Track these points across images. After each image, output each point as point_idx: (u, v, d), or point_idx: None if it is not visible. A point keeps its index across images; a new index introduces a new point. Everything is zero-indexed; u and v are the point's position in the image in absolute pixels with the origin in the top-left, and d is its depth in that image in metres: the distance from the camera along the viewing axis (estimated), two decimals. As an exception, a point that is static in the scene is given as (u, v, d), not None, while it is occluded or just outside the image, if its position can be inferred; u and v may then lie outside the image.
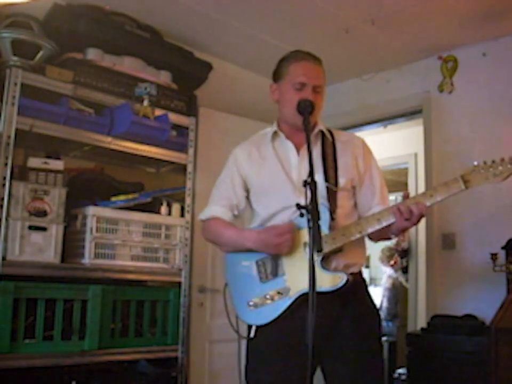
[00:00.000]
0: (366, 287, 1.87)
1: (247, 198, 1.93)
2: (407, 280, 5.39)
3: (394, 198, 6.59)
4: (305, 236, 1.69)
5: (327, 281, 1.66)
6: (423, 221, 4.33)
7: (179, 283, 2.98)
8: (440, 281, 3.50)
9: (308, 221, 1.48)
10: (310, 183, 1.53)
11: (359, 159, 1.89)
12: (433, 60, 3.66)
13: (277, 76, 1.93)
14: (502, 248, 3.00)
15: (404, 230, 1.70)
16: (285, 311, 1.72)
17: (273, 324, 1.74)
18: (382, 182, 1.94)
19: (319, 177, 1.72)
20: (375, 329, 1.84)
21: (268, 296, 1.75)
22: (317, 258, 1.66)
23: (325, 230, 1.70)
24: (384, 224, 1.67)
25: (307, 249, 1.69)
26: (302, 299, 1.68)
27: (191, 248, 3.06)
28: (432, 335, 3.09)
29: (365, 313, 1.80)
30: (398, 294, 5.49)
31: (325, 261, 1.71)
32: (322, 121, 1.97)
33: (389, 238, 1.88)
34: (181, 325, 2.95)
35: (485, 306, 3.07)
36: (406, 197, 1.68)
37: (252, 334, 1.77)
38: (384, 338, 4.84)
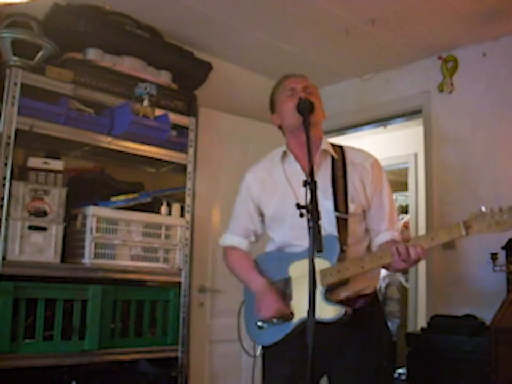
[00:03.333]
0: (378, 308, 1.88)
1: (262, 221, 1.97)
2: (407, 280, 5.40)
3: (394, 198, 6.62)
4: (316, 264, 1.68)
5: (327, 312, 1.67)
6: (423, 221, 4.34)
7: (179, 283, 2.98)
8: (440, 281, 3.49)
9: (308, 221, 1.48)
10: (310, 183, 1.53)
11: (366, 182, 1.85)
12: (433, 60, 3.66)
13: (272, 105, 1.98)
14: (502, 248, 3.00)
15: (401, 270, 1.72)
16: (287, 335, 1.77)
17: (275, 347, 1.81)
18: (391, 206, 1.89)
19: (328, 204, 1.75)
20: (379, 358, 1.81)
21: (274, 321, 1.79)
22: (322, 288, 1.69)
23: (332, 261, 1.70)
24: (385, 262, 1.67)
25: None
26: (302, 325, 1.68)
27: (191, 248, 3.06)
28: (432, 335, 3.09)
29: (371, 341, 1.79)
30: (387, 293, 5.49)
31: (330, 292, 1.71)
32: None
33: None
34: (181, 325, 2.95)
35: (485, 306, 3.06)
36: (406, 240, 1.67)
37: (257, 353, 1.88)
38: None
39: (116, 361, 2.69)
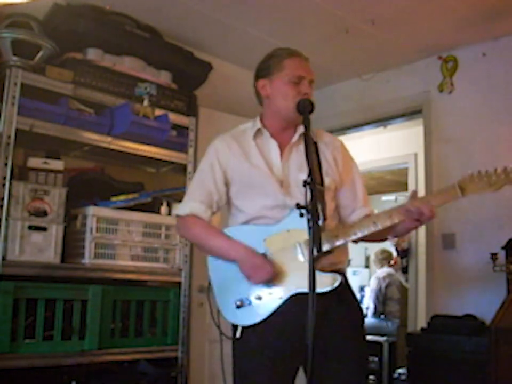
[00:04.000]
0: (348, 285, 1.84)
1: (226, 193, 1.86)
2: (407, 280, 5.40)
3: (394, 198, 6.63)
4: (298, 235, 1.67)
5: (322, 282, 1.62)
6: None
7: (179, 283, 2.98)
8: (440, 281, 3.50)
9: (308, 221, 1.48)
10: (310, 183, 1.52)
11: (338, 161, 1.86)
12: (433, 60, 3.66)
13: (266, 71, 1.86)
14: (502, 248, 3.00)
15: (410, 231, 1.69)
16: (274, 312, 1.68)
17: (262, 325, 1.68)
18: (363, 184, 1.91)
19: (304, 176, 1.65)
20: (360, 327, 1.81)
21: (256, 296, 1.69)
22: (306, 259, 1.65)
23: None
24: (380, 227, 1.65)
25: (298, 249, 1.68)
26: (293, 300, 1.66)
27: (191, 248, 3.06)
28: (432, 335, 3.09)
29: (351, 312, 1.78)
30: (387, 293, 5.51)
31: (316, 261, 1.65)
32: (320, 123, 1.95)
33: (384, 240, 1.88)
34: (181, 325, 2.95)
35: (485, 306, 3.07)
36: (414, 196, 1.67)
37: (238, 335, 1.71)
38: (384, 338, 4.84)
39: (116, 361, 2.69)
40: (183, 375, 2.93)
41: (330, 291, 1.64)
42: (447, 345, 2.98)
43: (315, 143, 1.84)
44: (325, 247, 1.64)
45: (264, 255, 1.70)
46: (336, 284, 1.64)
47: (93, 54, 2.88)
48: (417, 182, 4.98)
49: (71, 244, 2.67)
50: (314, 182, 1.53)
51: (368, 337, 5.00)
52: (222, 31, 3.40)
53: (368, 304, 5.60)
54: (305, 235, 1.58)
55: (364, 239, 1.77)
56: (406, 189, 5.32)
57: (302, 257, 1.68)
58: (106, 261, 2.70)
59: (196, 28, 3.36)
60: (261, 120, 1.90)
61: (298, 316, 1.58)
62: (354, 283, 6.18)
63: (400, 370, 4.45)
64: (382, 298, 5.51)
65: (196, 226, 1.82)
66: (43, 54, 2.66)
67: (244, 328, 1.71)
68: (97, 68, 2.86)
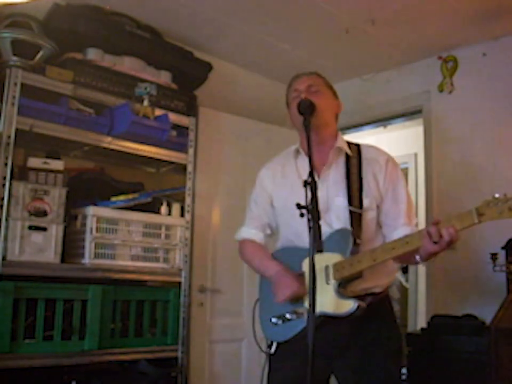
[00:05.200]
0: (388, 306, 1.85)
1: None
2: (407, 280, 5.40)
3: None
4: (327, 258, 1.69)
5: (341, 306, 1.66)
6: (423, 221, 4.34)
7: (179, 283, 2.98)
8: (440, 281, 3.50)
9: (308, 221, 1.48)
10: (310, 183, 1.53)
11: (379, 177, 1.83)
12: (433, 60, 3.66)
13: (287, 103, 1.98)
14: (502, 248, 3.00)
15: (432, 255, 1.63)
16: (300, 331, 1.72)
17: (289, 342, 1.77)
18: (408, 202, 1.86)
19: (340, 200, 1.76)
20: (386, 360, 1.77)
21: (287, 316, 1.77)
22: (335, 282, 1.69)
23: (346, 254, 1.70)
24: (409, 249, 1.62)
25: (325, 273, 1.71)
26: (318, 321, 1.65)
27: (191, 248, 3.06)
28: (432, 335, 3.09)
29: (377, 341, 1.76)
30: (392, 294, 5.50)
31: (343, 286, 1.70)
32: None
33: (416, 263, 1.81)
34: (181, 325, 2.95)
35: (485, 306, 3.07)
36: (436, 223, 1.63)
37: (272, 350, 1.83)
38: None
39: (116, 361, 2.69)
40: (183, 375, 2.93)
41: (345, 317, 1.66)
42: (447, 345, 2.97)
43: (359, 161, 1.84)
44: (346, 273, 1.68)
45: (299, 275, 1.76)
46: (349, 311, 1.65)
47: (93, 54, 2.88)
48: (417, 182, 4.98)
49: (71, 244, 2.67)
50: (315, 182, 1.53)
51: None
52: (222, 31, 3.40)
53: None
54: (335, 258, 1.68)
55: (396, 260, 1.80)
56: (406, 189, 5.31)
57: (327, 281, 1.71)
58: (106, 261, 2.70)
59: (196, 28, 3.36)
60: (300, 143, 1.95)
61: (321, 336, 1.52)
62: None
63: (400, 370, 4.44)
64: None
65: (246, 248, 2.00)
66: (43, 54, 2.66)
67: (278, 344, 1.82)
68: (97, 68, 2.86)
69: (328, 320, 1.65)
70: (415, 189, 5.04)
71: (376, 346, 1.75)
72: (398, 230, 1.80)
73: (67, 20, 2.80)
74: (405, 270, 5.49)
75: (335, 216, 1.76)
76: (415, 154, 5.06)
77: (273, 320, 1.80)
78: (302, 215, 1.51)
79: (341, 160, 1.85)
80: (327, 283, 1.70)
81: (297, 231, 1.82)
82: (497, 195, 1.56)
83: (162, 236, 2.94)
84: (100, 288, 2.61)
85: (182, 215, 3.07)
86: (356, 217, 1.75)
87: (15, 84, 2.49)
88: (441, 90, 3.61)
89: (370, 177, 1.82)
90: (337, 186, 1.80)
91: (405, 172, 5.29)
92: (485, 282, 3.18)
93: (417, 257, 1.67)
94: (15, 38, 2.58)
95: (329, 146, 1.85)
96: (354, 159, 1.85)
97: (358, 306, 1.65)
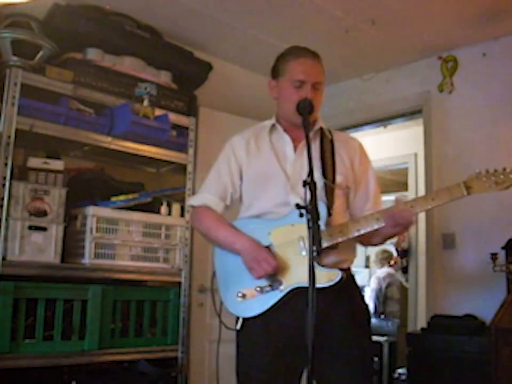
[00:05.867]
0: (355, 282, 1.85)
1: (240, 186, 1.90)
2: (407, 280, 5.40)
3: (394, 198, 6.62)
4: (300, 230, 1.67)
5: (321, 277, 1.63)
6: (423, 221, 4.33)
7: (179, 283, 2.98)
8: (440, 281, 3.50)
9: (308, 221, 1.48)
10: (310, 183, 1.52)
11: (354, 161, 1.88)
12: (433, 60, 3.66)
13: (275, 72, 1.92)
14: (502, 248, 3.00)
15: (390, 237, 1.72)
16: (274, 305, 1.69)
17: (261, 317, 1.70)
18: (377, 188, 1.92)
19: (317, 173, 1.70)
20: (365, 327, 1.82)
21: (258, 288, 1.71)
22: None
23: (321, 225, 1.67)
24: (383, 224, 1.66)
25: (300, 243, 1.70)
26: (293, 293, 1.67)
27: (191, 248, 3.06)
28: (432, 335, 3.09)
29: (354, 311, 1.78)
30: (387, 293, 5.51)
31: (319, 257, 1.66)
32: (322, 120, 1.96)
33: (375, 244, 1.88)
34: (181, 325, 2.95)
35: (485, 306, 3.07)
36: (397, 202, 1.68)
37: (238, 326, 1.75)
38: (384, 338, 4.84)
39: (116, 361, 2.69)
40: (183, 375, 2.93)
41: (330, 287, 1.64)
42: (447, 345, 2.98)
43: (331, 141, 1.87)
44: (326, 243, 1.67)
45: (268, 248, 1.73)
46: (336, 280, 1.64)
47: (93, 54, 2.88)
48: (417, 182, 4.98)
49: (71, 244, 2.67)
50: (314, 182, 1.53)
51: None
52: (222, 31, 3.40)
53: (368, 304, 5.60)
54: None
55: (362, 242, 1.82)
56: (406, 189, 5.32)
57: (304, 252, 1.69)
58: (106, 261, 2.70)
59: (196, 27, 3.36)
60: (276, 117, 1.93)
61: (298, 310, 1.58)
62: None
63: (400, 370, 4.45)
64: (382, 298, 5.52)
65: (206, 217, 1.87)
66: (43, 54, 2.66)
67: (244, 319, 1.74)
68: (97, 68, 2.86)
69: (301, 292, 1.56)
70: (415, 189, 5.04)
71: (349, 321, 1.73)
72: (365, 213, 1.82)
73: (67, 20, 2.80)
74: (405, 270, 5.50)
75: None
76: (415, 154, 5.06)
77: (240, 294, 1.73)
78: (301, 215, 1.50)
79: (317, 140, 1.87)
80: (301, 254, 1.68)
81: (268, 204, 1.79)
82: (477, 170, 1.63)
83: (162, 235, 2.94)
84: (100, 288, 2.61)
85: (182, 215, 3.07)
86: (329, 191, 1.76)
87: (15, 84, 2.49)
88: (441, 90, 3.61)
89: (346, 157, 1.86)
90: (314, 161, 1.72)
91: (405, 172, 5.30)
92: (485, 282, 3.18)
93: (377, 238, 1.76)
94: (15, 38, 2.58)
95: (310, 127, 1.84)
96: (328, 140, 1.88)
97: (342, 277, 1.64)
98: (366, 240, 1.82)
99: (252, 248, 1.72)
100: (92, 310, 2.57)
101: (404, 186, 5.53)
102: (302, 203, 1.61)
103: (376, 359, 4.71)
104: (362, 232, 1.69)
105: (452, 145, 3.54)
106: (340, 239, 1.69)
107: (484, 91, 3.41)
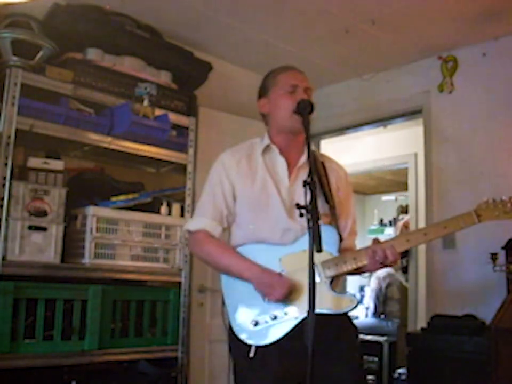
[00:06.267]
0: None
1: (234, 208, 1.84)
2: (407, 280, 5.40)
3: (394, 198, 6.63)
4: (315, 256, 1.67)
5: (341, 302, 1.66)
6: (423, 221, 4.33)
7: (179, 283, 2.98)
8: (440, 281, 3.50)
9: (308, 221, 1.48)
10: (310, 183, 1.52)
11: (340, 187, 1.89)
12: (433, 60, 3.66)
13: (264, 90, 1.91)
14: (502, 248, 3.00)
15: (372, 272, 1.76)
16: (289, 332, 1.67)
17: (276, 345, 1.68)
18: (354, 217, 1.94)
19: (320, 200, 1.69)
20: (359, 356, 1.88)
21: (271, 316, 1.68)
22: (327, 280, 1.68)
23: (334, 252, 1.71)
24: (359, 264, 1.70)
25: (315, 270, 1.67)
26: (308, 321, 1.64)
27: (191, 248, 3.06)
28: (432, 335, 3.09)
29: (351, 331, 1.83)
30: (387, 293, 5.51)
31: (332, 283, 1.70)
32: (320, 123, 1.96)
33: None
34: (181, 325, 2.95)
35: (485, 306, 3.07)
36: (376, 242, 1.74)
37: (252, 354, 1.68)
38: (384, 338, 4.84)
39: (116, 361, 2.69)
40: (183, 375, 2.93)
41: (345, 313, 1.69)
42: (447, 345, 2.97)
43: (324, 168, 1.87)
44: (333, 272, 1.70)
45: (280, 274, 1.71)
46: (354, 305, 1.67)
47: (93, 54, 2.88)
48: (417, 182, 4.98)
49: (71, 244, 2.67)
50: (314, 182, 1.53)
51: (368, 337, 5.02)
52: (222, 31, 3.40)
53: (368, 304, 5.60)
54: (322, 256, 1.63)
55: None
56: (406, 189, 5.32)
57: (318, 278, 1.67)
58: (106, 261, 2.70)
59: (196, 28, 3.36)
60: (270, 137, 1.89)
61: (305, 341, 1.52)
62: (354, 283, 6.21)
63: (400, 370, 4.45)
64: (382, 298, 5.52)
65: (208, 243, 1.80)
66: (43, 54, 2.66)
67: (257, 347, 1.70)
68: (97, 68, 2.86)
69: (316, 319, 1.50)
70: (415, 189, 5.04)
71: (345, 340, 1.76)
72: (344, 240, 1.83)
73: (67, 20, 2.80)
74: (405, 270, 5.50)
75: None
76: (415, 154, 5.06)
77: (253, 322, 1.70)
78: (301, 215, 1.50)
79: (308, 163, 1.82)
80: (315, 280, 1.65)
81: (268, 229, 1.77)
82: (485, 199, 1.73)
83: (162, 236, 2.94)
84: (100, 288, 2.61)
85: (182, 215, 3.07)
86: (333, 216, 1.77)
87: (15, 84, 2.49)
88: (441, 90, 3.61)
89: (333, 184, 1.87)
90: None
91: (405, 172, 5.30)
92: (485, 282, 3.18)
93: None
94: (15, 38, 2.58)
95: (300, 148, 1.84)
96: (320, 164, 1.87)
97: (358, 302, 1.68)
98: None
99: (263, 274, 1.69)
100: (92, 310, 2.57)
101: (404, 186, 5.53)
102: (300, 229, 1.69)
103: (376, 359, 4.71)
104: (359, 265, 1.72)
105: (452, 145, 3.54)
106: (354, 266, 1.70)
107: (483, 91, 3.41)
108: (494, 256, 3.01)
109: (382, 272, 5.70)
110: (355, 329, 1.85)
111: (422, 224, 4.57)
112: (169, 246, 2.97)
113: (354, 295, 1.73)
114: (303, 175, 1.77)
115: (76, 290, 2.56)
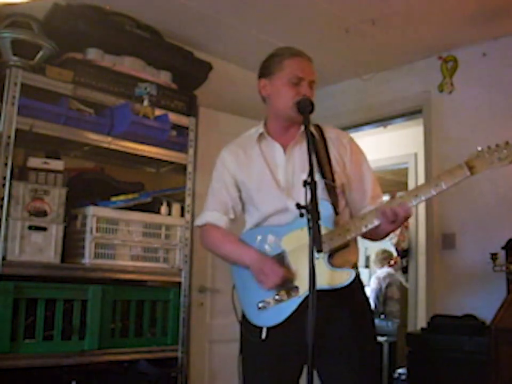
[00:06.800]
0: (361, 283, 1.84)
1: (240, 198, 1.90)
2: (407, 280, 5.40)
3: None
4: (307, 234, 1.67)
5: (336, 277, 1.65)
6: (423, 221, 4.33)
7: (179, 283, 2.98)
8: (440, 281, 3.50)
9: (308, 220, 1.48)
10: (310, 183, 1.52)
11: (345, 157, 1.84)
12: (433, 60, 3.66)
13: (267, 71, 1.88)
14: (502, 248, 3.00)
15: (390, 232, 1.71)
16: (295, 311, 1.69)
17: (283, 325, 1.70)
18: (373, 181, 1.88)
19: (316, 174, 1.66)
20: (369, 328, 1.82)
21: (277, 297, 1.71)
22: (324, 255, 1.66)
23: (329, 226, 1.69)
24: (370, 226, 1.66)
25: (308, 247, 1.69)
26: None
27: (191, 248, 3.06)
28: (432, 335, 3.09)
29: (360, 312, 1.78)
30: (387, 293, 5.52)
31: (332, 257, 1.69)
32: (321, 122, 1.95)
33: (379, 239, 1.85)
34: (181, 325, 2.95)
35: (485, 306, 3.06)
36: (393, 197, 1.66)
37: (263, 336, 1.73)
38: (384, 338, 4.84)
39: (116, 361, 2.69)
40: (183, 375, 2.93)
41: (344, 287, 1.64)
42: (447, 345, 2.97)
43: (324, 139, 1.85)
44: (337, 242, 1.67)
45: (281, 255, 1.74)
46: (350, 280, 1.64)
47: (93, 54, 2.88)
48: (417, 182, 4.98)
49: (71, 244, 2.67)
50: (315, 181, 1.53)
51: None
52: (222, 31, 3.40)
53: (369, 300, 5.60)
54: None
55: (366, 237, 1.80)
56: (406, 189, 5.31)
57: (317, 255, 1.64)
58: (106, 261, 2.70)
59: (196, 28, 3.36)
60: (265, 123, 1.91)
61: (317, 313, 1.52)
62: (354, 283, 6.21)
63: (400, 370, 4.45)
64: (382, 298, 5.51)
65: (211, 234, 1.88)
66: (43, 54, 2.66)
67: (268, 329, 1.73)
68: (97, 68, 2.86)
69: (319, 296, 1.50)
70: (415, 189, 5.03)
71: (353, 322, 1.73)
72: (363, 210, 1.81)
73: (67, 20, 2.80)
74: (404, 270, 5.50)
75: (303, 192, 1.57)
76: (415, 154, 5.06)
77: (260, 304, 1.74)
78: (301, 215, 1.50)
79: (305, 140, 1.79)
80: (316, 257, 1.64)
81: (267, 212, 1.80)
82: (479, 148, 1.59)
83: (162, 236, 2.94)
84: (100, 288, 2.61)
85: (182, 215, 3.07)
86: (331, 190, 1.75)
87: (15, 84, 2.49)
88: (441, 90, 3.61)
89: (337, 156, 1.83)
90: (305, 163, 1.67)
91: (405, 172, 5.30)
92: (485, 282, 3.18)
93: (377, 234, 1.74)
94: (15, 38, 2.58)
95: (297, 128, 1.83)
96: (319, 137, 1.85)
97: (356, 275, 1.66)
98: (370, 236, 1.80)
99: (258, 260, 1.72)
100: (92, 310, 2.57)
101: (404, 186, 5.53)
102: (301, 203, 1.61)
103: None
104: (370, 227, 1.67)
105: (452, 145, 3.53)
106: (348, 237, 1.68)
107: (483, 91, 3.41)
108: (494, 256, 3.01)
109: (382, 272, 5.70)
110: (363, 302, 1.81)
111: (422, 224, 4.57)
112: (169, 246, 2.97)
113: (352, 269, 1.68)
114: (299, 151, 1.80)
115: (76, 290, 2.56)
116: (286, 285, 1.70)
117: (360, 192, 1.85)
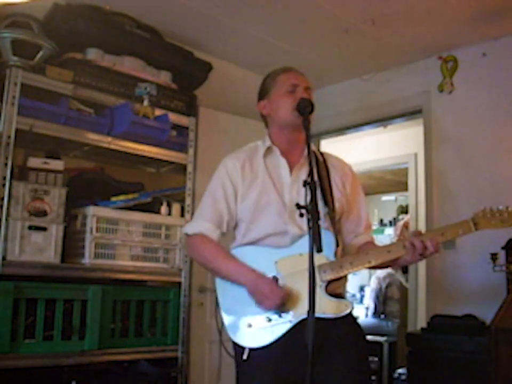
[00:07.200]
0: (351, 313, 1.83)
1: (236, 212, 1.83)
2: (407, 280, 5.40)
3: (394, 198, 6.63)
4: (307, 261, 1.64)
5: (331, 307, 1.65)
6: (423, 221, 4.32)
7: (179, 283, 2.98)
8: (440, 281, 3.49)
9: (308, 221, 1.47)
10: (310, 183, 1.52)
11: (346, 186, 1.87)
12: (433, 60, 3.66)
13: (264, 91, 1.91)
14: (502, 248, 3.00)
15: (411, 263, 1.72)
16: (283, 335, 1.66)
17: (269, 348, 1.66)
18: (367, 210, 1.94)
19: (319, 202, 1.62)
20: (363, 357, 1.79)
21: (266, 319, 1.68)
22: (322, 283, 1.66)
23: (330, 256, 1.69)
24: (394, 256, 1.69)
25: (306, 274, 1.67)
26: (303, 324, 1.58)
27: (191, 248, 3.06)
28: (432, 335, 3.09)
29: (358, 346, 1.76)
30: (387, 293, 5.52)
31: (328, 287, 1.69)
32: (320, 123, 1.95)
33: (387, 267, 1.90)
34: (181, 325, 2.95)
35: (485, 306, 3.06)
36: (417, 234, 1.70)
37: (245, 357, 1.68)
38: (384, 338, 4.84)
39: (116, 361, 2.69)
40: (183, 375, 2.93)
41: (339, 318, 1.65)
42: (447, 345, 2.97)
43: (325, 165, 1.86)
44: (336, 274, 1.68)
45: (274, 279, 1.71)
46: (347, 311, 1.66)
47: (93, 54, 2.88)
48: (417, 182, 4.98)
49: (71, 244, 2.67)
50: (314, 182, 1.53)
51: (368, 337, 5.01)
52: (222, 31, 3.40)
53: (368, 304, 5.61)
54: (318, 260, 1.60)
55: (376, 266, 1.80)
56: (406, 189, 5.32)
57: (320, 282, 1.67)
58: (106, 261, 2.70)
59: (196, 27, 3.36)
60: (270, 138, 1.89)
61: (304, 342, 1.47)
62: (354, 283, 6.21)
63: (400, 370, 4.44)
64: (382, 298, 5.52)
65: (204, 247, 1.80)
66: (43, 54, 2.66)
67: (251, 350, 1.69)
68: (97, 68, 2.86)
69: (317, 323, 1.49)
70: (415, 189, 5.04)
71: (352, 346, 1.72)
72: (359, 237, 1.87)
73: (67, 20, 2.80)
74: (405, 270, 5.49)
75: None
76: (415, 154, 5.06)
77: (247, 323, 1.71)
78: (301, 215, 1.50)
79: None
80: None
81: (265, 231, 1.76)
82: (482, 207, 1.72)
83: (162, 236, 2.94)
84: (100, 288, 2.61)
85: (182, 215, 3.07)
86: (333, 219, 1.76)
87: (15, 84, 2.49)
88: (441, 90, 3.61)
89: (339, 184, 1.85)
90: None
91: (405, 172, 5.30)
92: (485, 282, 3.18)
93: (395, 264, 1.76)
94: (15, 38, 2.58)
95: (301, 149, 1.83)
96: (322, 163, 1.86)
97: (352, 307, 1.67)
98: (380, 265, 1.80)
99: (258, 281, 1.67)
100: (92, 310, 2.57)
101: (404, 186, 5.53)
102: (298, 232, 1.68)
103: (376, 359, 4.71)
104: (373, 264, 1.70)
105: (452, 145, 3.54)
106: (350, 270, 1.69)
107: (484, 91, 3.41)
108: (494, 256, 3.01)
109: (382, 272, 5.70)
110: (359, 335, 1.79)
111: (422, 224, 4.57)
112: (169, 246, 2.97)
113: (349, 300, 1.70)
114: (304, 173, 1.78)
115: (76, 290, 2.56)
116: (283, 307, 1.67)
117: (355, 221, 1.88)
